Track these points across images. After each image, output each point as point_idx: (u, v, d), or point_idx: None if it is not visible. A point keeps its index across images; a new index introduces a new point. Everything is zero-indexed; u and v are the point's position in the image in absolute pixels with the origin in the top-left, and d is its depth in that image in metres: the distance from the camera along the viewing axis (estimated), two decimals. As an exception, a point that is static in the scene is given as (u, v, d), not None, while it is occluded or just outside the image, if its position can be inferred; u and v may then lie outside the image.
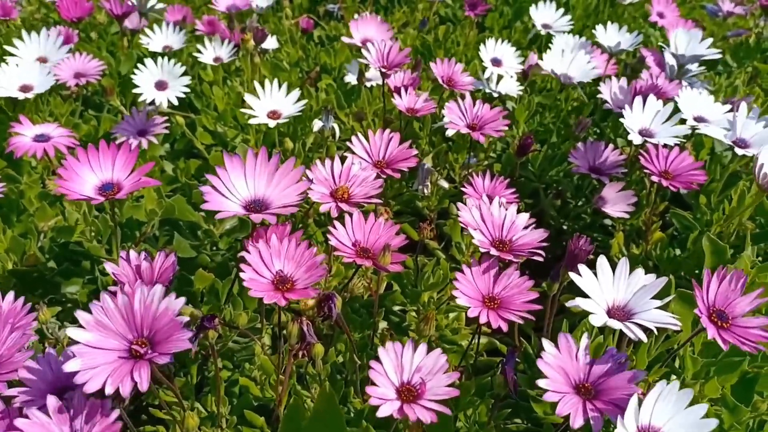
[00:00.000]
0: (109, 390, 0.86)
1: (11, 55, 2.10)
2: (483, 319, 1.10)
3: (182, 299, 0.93)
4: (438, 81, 1.88)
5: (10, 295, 1.09)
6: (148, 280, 1.14)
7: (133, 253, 1.18)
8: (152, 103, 1.99)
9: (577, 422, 0.94)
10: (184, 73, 2.05)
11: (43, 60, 2.12)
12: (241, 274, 1.06)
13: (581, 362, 1.01)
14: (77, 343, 0.89)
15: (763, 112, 1.91)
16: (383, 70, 1.81)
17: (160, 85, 2.03)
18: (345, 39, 2.16)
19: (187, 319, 0.92)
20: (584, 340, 1.02)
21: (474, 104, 1.70)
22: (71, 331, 0.90)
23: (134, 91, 1.99)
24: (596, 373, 1.01)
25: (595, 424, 0.94)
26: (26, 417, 0.89)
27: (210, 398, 1.28)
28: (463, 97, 1.72)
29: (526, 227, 1.26)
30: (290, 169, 1.18)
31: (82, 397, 0.91)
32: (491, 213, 1.26)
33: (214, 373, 1.19)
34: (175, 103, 2.01)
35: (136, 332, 0.93)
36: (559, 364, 1.00)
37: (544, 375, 0.98)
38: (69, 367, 0.87)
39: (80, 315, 0.91)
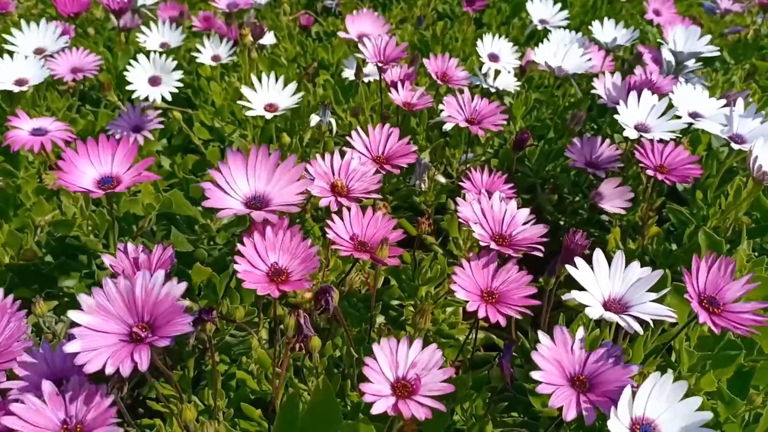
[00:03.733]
0: (109, 370, 0.86)
1: (10, 44, 2.10)
2: (482, 314, 1.10)
3: (183, 284, 0.94)
4: (433, 77, 1.89)
5: (-1, 292, 1.09)
6: (146, 273, 1.14)
7: (130, 246, 1.18)
8: (147, 99, 1.99)
9: (569, 415, 0.94)
10: (177, 68, 2.05)
11: (41, 50, 2.12)
12: (236, 266, 1.06)
13: (576, 354, 1.02)
14: (78, 325, 0.90)
15: (760, 108, 1.92)
16: (380, 64, 1.82)
17: (154, 81, 2.03)
18: (341, 34, 2.17)
19: (187, 303, 0.93)
20: (580, 333, 1.03)
21: (472, 99, 1.70)
22: (72, 314, 0.91)
23: (128, 88, 1.99)
24: (591, 366, 1.01)
25: (587, 417, 0.94)
26: (22, 402, 0.90)
27: (207, 392, 1.28)
28: (461, 91, 1.72)
29: (525, 223, 1.26)
30: (291, 166, 1.17)
31: (78, 383, 0.92)
32: (492, 208, 1.26)
33: (212, 367, 1.19)
34: (169, 98, 2.00)
35: (136, 317, 0.93)
36: (555, 357, 1.00)
37: (539, 367, 0.98)
38: (69, 348, 0.88)
39: (82, 298, 0.92)
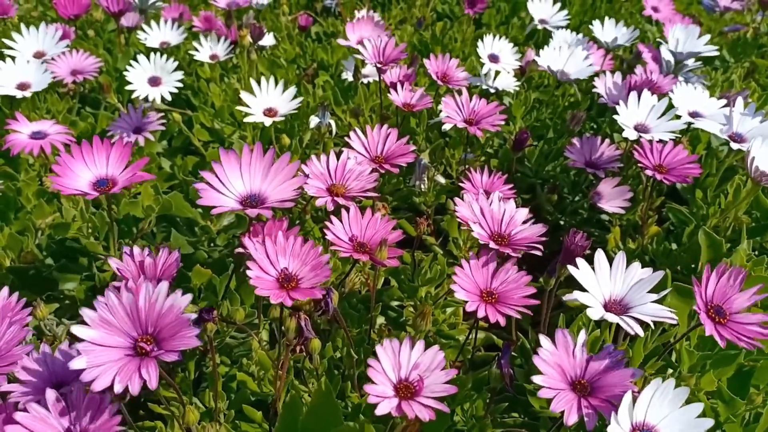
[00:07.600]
0: (118, 388, 0.85)
1: (9, 48, 2.10)
2: (481, 314, 1.10)
3: (188, 296, 0.93)
4: (433, 77, 1.89)
5: (5, 290, 1.08)
6: (151, 276, 1.14)
7: (136, 249, 1.17)
8: (146, 99, 1.99)
9: (571, 419, 0.94)
10: (177, 68, 2.05)
11: (40, 54, 2.12)
12: (248, 272, 1.05)
13: (578, 358, 1.01)
14: (82, 340, 0.89)
15: (760, 107, 1.91)
16: (379, 65, 1.82)
17: (154, 81, 2.03)
18: (341, 41, 2.16)
19: (194, 316, 0.92)
20: (581, 336, 1.02)
21: (471, 99, 1.70)
22: (76, 329, 0.90)
23: (127, 87, 1.99)
24: (593, 370, 1.00)
25: (588, 422, 0.94)
26: (25, 410, 0.89)
27: (208, 393, 1.28)
28: (459, 92, 1.72)
29: (524, 222, 1.26)
30: (286, 164, 1.18)
31: (81, 391, 0.91)
32: (490, 207, 1.26)
33: (212, 369, 1.20)
34: (169, 98, 2.01)
35: (140, 329, 0.92)
36: (556, 361, 1.00)
37: (540, 371, 0.98)
38: (75, 365, 0.86)
39: (85, 312, 0.91)
